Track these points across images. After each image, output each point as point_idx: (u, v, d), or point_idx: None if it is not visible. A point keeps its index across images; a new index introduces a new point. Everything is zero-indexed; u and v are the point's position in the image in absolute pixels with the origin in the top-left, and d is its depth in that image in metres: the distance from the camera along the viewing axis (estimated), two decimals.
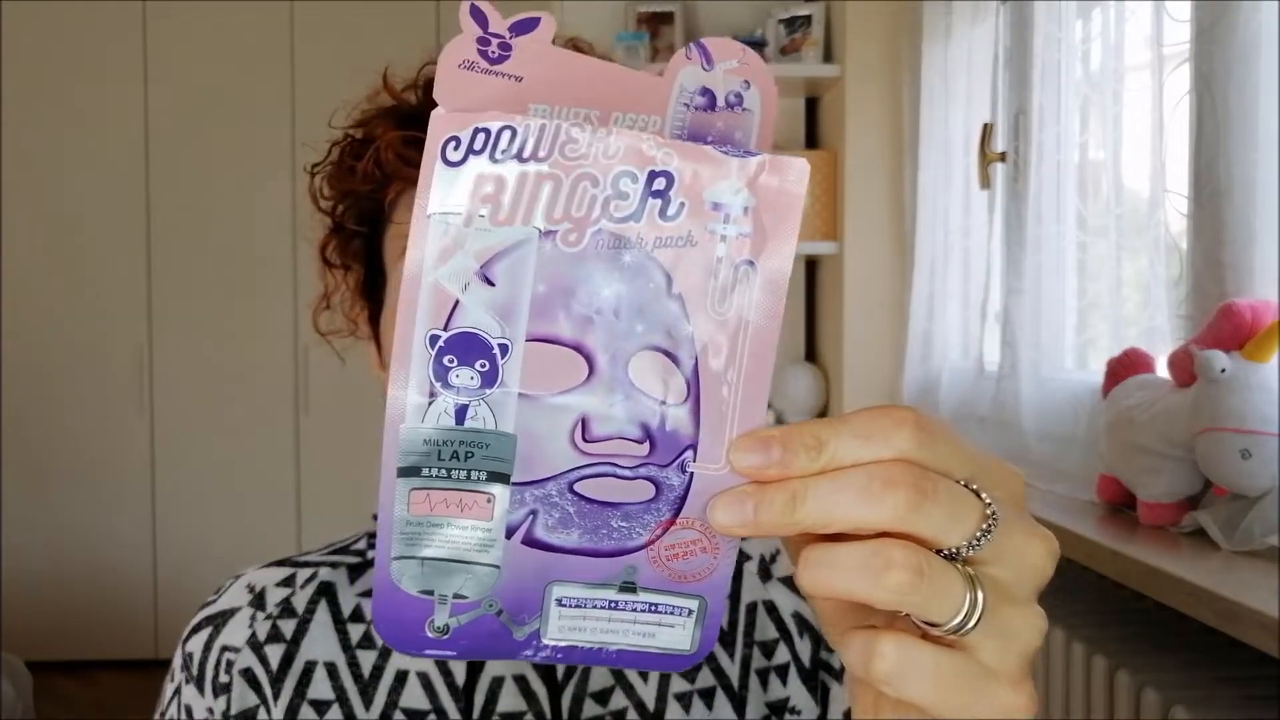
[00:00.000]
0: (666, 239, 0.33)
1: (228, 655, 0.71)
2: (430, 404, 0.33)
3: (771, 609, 0.71)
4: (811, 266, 2.82)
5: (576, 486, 0.34)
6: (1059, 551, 0.35)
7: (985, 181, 2.04)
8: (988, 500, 0.34)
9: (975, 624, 0.33)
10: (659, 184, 0.33)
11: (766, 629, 0.70)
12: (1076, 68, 1.76)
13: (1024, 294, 1.79)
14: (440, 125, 0.33)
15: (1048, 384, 1.77)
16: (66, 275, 4.02)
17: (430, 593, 0.35)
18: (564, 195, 0.33)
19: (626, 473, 0.34)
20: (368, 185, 0.66)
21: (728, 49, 0.36)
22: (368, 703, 0.68)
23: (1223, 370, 1.19)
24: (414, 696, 0.68)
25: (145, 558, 4.07)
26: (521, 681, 0.67)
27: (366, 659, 0.69)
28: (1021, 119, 1.80)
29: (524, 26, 0.35)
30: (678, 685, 0.68)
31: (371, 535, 0.75)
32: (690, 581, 0.35)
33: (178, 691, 0.73)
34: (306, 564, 0.75)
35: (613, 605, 0.35)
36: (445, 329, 0.33)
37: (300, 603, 0.72)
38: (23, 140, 3.98)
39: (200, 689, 0.71)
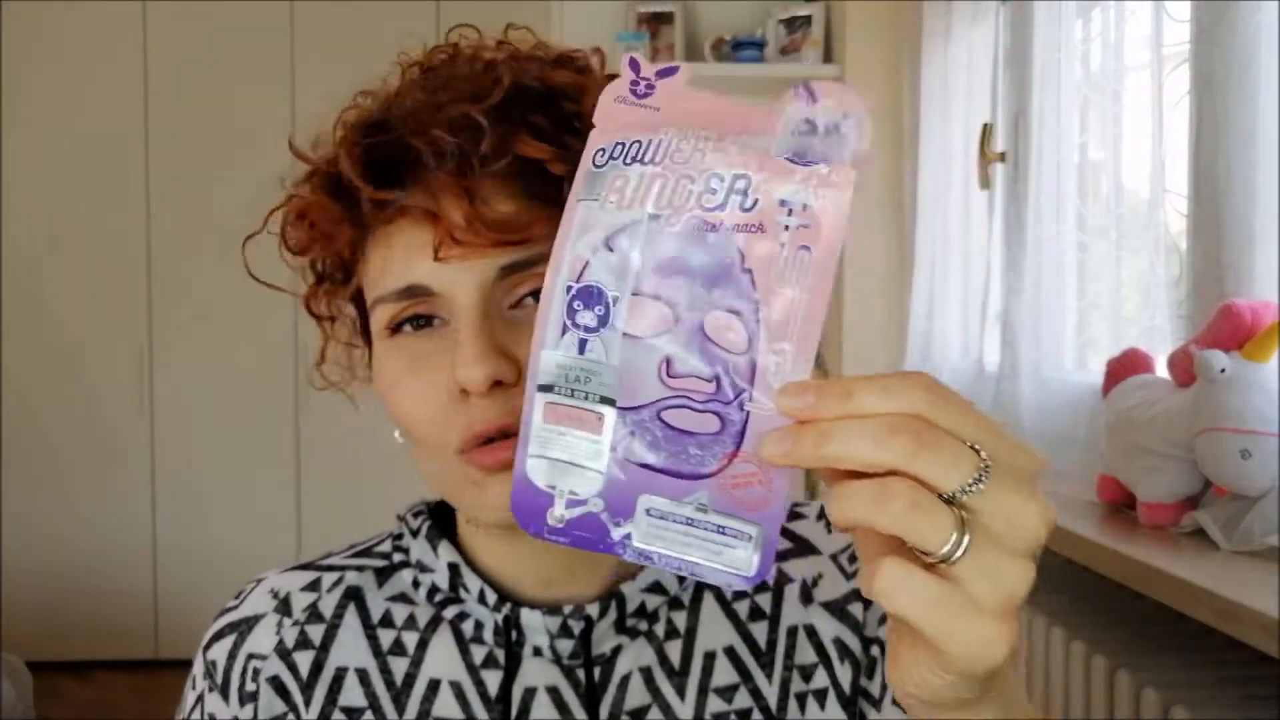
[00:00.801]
0: (743, 225, 0.42)
1: (254, 663, 0.69)
2: (562, 336, 0.43)
3: (812, 633, 0.70)
4: None
5: (663, 415, 0.42)
6: (1054, 521, 0.41)
7: (985, 182, 2.04)
8: (984, 457, 0.39)
9: (961, 556, 0.39)
10: (740, 184, 0.43)
11: (806, 653, 0.69)
12: (1076, 68, 1.76)
13: (1024, 294, 1.79)
14: (594, 139, 0.45)
15: (1048, 384, 1.77)
16: (67, 275, 4.02)
17: (553, 487, 0.43)
18: (669, 189, 0.43)
19: (698, 406, 0.42)
20: (321, 251, 0.67)
21: (831, 91, 0.44)
22: (400, 710, 0.67)
23: (1222, 370, 1.19)
24: (447, 705, 0.67)
25: (145, 558, 4.07)
26: (554, 693, 0.66)
27: (399, 666, 0.68)
28: (1021, 119, 1.80)
29: (667, 73, 0.45)
30: (715, 705, 0.67)
31: (396, 536, 0.74)
32: (750, 509, 0.42)
33: (200, 699, 0.71)
34: (331, 567, 0.73)
35: (689, 522, 0.42)
36: (577, 282, 0.43)
37: (328, 608, 0.71)
38: (23, 140, 3.98)
39: (225, 697, 0.70)
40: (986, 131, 2.01)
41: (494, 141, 0.59)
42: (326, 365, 0.73)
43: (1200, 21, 1.29)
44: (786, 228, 0.42)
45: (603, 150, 0.44)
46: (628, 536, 0.43)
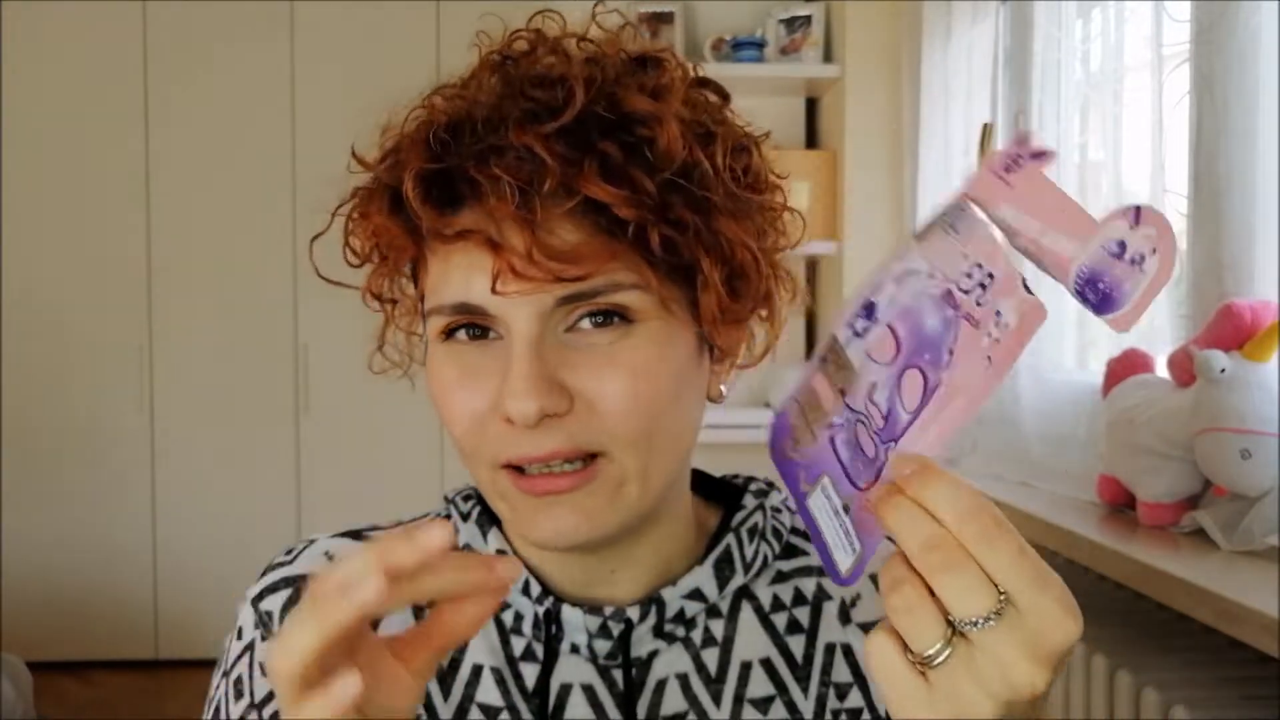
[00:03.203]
0: (970, 316, 0.47)
1: None
2: (844, 327, 0.51)
3: (848, 652, 0.70)
4: (811, 267, 2.82)
5: (856, 425, 0.49)
6: (1041, 689, 0.45)
7: None
8: (1001, 604, 0.44)
9: (939, 665, 0.45)
10: (986, 280, 0.47)
11: (842, 671, 0.69)
12: (1076, 68, 1.76)
13: None
14: (974, 186, 0.48)
15: (1048, 384, 1.77)
16: (67, 275, 4.02)
17: (794, 429, 0.53)
18: (948, 258, 0.48)
19: (870, 433, 0.49)
20: (382, 264, 0.64)
21: (1155, 223, 0.45)
22: (445, 693, 0.67)
23: (1223, 370, 1.19)
24: (489, 692, 0.67)
25: (145, 558, 4.07)
26: (589, 691, 0.67)
27: None
28: (1021, 119, 1.80)
29: (1039, 155, 0.49)
30: (751, 715, 0.67)
31: (445, 517, 0.73)
32: (864, 531, 0.48)
33: (250, 648, 0.70)
34: None
35: (836, 512, 0.49)
36: (871, 295, 0.50)
37: None
38: (23, 140, 3.98)
39: None
40: (986, 131, 2.01)
41: (558, 179, 0.57)
42: (386, 348, 0.71)
43: (1200, 21, 1.29)
44: (989, 335, 0.46)
45: (962, 209, 0.48)
46: (805, 495, 0.51)
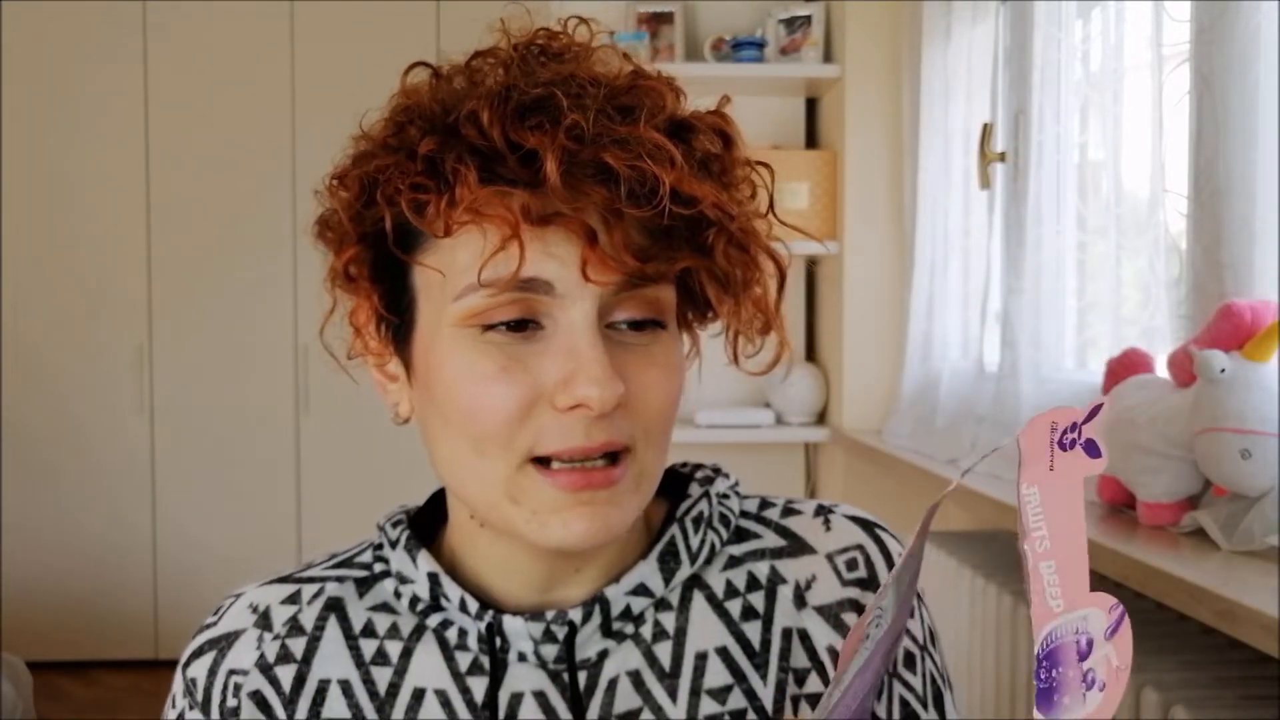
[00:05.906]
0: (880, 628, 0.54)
1: (235, 679, 0.69)
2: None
3: (805, 637, 0.69)
4: (811, 266, 2.82)
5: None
6: None
7: (985, 181, 2.04)
8: None
9: None
10: (879, 620, 0.54)
11: (799, 657, 0.69)
12: (1076, 68, 1.76)
13: (1024, 294, 1.79)
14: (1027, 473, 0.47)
15: (1048, 384, 1.77)
16: (67, 275, 4.02)
17: None
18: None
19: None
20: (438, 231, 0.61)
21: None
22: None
23: (1222, 370, 1.19)
24: (432, 713, 0.66)
25: (145, 558, 4.07)
26: (541, 697, 0.66)
27: (382, 676, 0.68)
28: (1021, 119, 1.80)
29: (1092, 414, 0.47)
30: (708, 706, 0.66)
31: (376, 546, 0.73)
32: None
33: (180, 718, 0.71)
34: (310, 579, 0.72)
35: None
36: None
37: (308, 620, 0.70)
38: (23, 141, 3.98)
39: (206, 714, 0.69)
40: (986, 131, 2.01)
41: (677, 178, 0.58)
42: (327, 339, 0.70)
43: (1200, 21, 1.29)
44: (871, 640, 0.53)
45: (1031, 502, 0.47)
46: None
